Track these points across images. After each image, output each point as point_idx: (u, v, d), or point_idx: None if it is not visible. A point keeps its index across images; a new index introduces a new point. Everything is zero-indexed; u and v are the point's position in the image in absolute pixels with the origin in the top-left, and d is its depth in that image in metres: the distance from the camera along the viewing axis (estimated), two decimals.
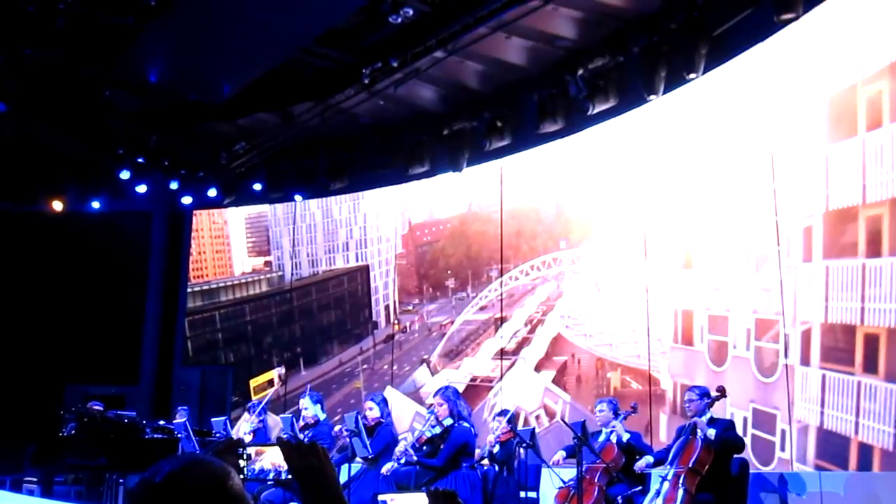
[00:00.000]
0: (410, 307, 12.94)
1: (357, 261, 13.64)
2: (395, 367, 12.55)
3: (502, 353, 11.19)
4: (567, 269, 10.74)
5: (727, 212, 8.86)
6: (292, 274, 14.14)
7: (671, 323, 9.34)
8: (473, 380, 11.46)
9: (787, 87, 8.21)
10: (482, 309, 11.76)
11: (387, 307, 13.13)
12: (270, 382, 13.62)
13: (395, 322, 12.93)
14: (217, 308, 14.68)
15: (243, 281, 14.65)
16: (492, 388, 11.11)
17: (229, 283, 14.71)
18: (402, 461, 7.90)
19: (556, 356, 10.67)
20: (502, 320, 11.35)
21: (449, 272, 12.55)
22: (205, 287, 14.75)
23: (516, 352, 11.12)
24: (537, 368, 10.81)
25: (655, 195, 9.67)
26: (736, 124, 8.77)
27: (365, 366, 13.00)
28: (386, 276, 13.21)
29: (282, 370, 13.67)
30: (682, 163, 9.43)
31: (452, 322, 12.17)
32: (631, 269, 9.85)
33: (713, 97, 8.93)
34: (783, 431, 7.88)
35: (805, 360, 7.72)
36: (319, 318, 14.10)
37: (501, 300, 11.45)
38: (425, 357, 12.29)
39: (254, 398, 12.95)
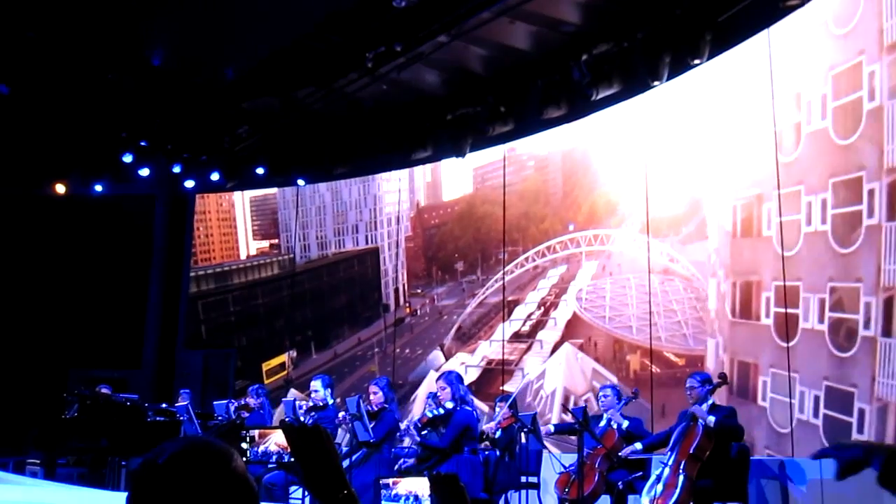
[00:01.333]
0: (419, 290, 13.09)
1: (367, 243, 13.76)
2: (407, 350, 12.71)
3: (515, 337, 11.32)
4: (581, 251, 10.81)
5: (792, 171, 8.18)
6: (302, 256, 14.31)
7: (729, 296, 8.86)
8: (489, 363, 11.57)
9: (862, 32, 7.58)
10: (497, 290, 11.87)
11: (396, 290, 13.29)
12: (282, 365, 13.83)
13: (407, 305, 13.08)
14: (229, 291, 14.88)
15: (254, 263, 14.83)
16: (511, 371, 11.13)
17: (240, 266, 14.88)
18: (406, 442, 8.03)
19: (571, 339, 10.70)
20: (505, 304, 11.49)
21: (457, 255, 12.67)
22: (217, 270, 14.95)
23: (531, 335, 11.19)
24: (553, 351, 10.87)
25: (705, 162, 9.32)
26: (795, 75, 8.28)
27: (377, 349, 13.15)
28: (395, 258, 13.35)
29: (293, 353, 13.88)
30: (738, 124, 8.97)
31: (468, 303, 12.30)
32: (650, 247, 9.78)
33: (760, 57, 8.56)
34: (861, 411, 7.28)
35: (887, 332, 7.10)
36: (330, 300, 14.24)
37: (503, 285, 11.60)
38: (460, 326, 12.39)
39: (266, 381, 13.20)
